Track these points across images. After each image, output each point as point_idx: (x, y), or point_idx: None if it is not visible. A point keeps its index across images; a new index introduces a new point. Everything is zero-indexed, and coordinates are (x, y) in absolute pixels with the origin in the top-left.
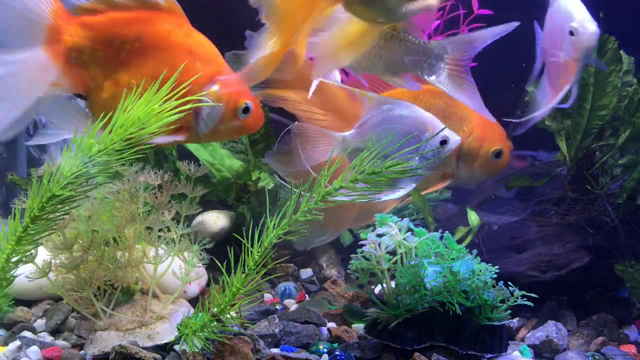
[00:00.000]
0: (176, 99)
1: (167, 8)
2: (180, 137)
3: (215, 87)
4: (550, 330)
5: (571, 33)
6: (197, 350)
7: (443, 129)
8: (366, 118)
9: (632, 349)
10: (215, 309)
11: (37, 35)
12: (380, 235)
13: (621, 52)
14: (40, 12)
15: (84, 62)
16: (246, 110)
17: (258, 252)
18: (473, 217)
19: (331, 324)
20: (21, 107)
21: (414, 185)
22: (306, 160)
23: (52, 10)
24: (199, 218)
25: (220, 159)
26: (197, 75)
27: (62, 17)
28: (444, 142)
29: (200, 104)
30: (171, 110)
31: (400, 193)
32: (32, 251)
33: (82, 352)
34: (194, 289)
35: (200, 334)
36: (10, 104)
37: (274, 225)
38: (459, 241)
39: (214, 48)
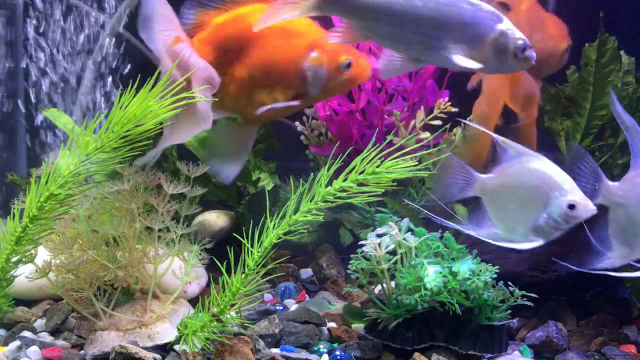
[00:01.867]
0: (279, 74)
1: None
2: (295, 103)
3: (314, 54)
4: (550, 330)
5: None
6: (197, 350)
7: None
8: (505, 165)
9: (632, 349)
10: (215, 309)
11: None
12: (380, 235)
13: (621, 52)
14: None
15: (215, 68)
16: (349, 64)
17: (258, 252)
18: (461, 209)
19: (331, 324)
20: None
21: (546, 239)
22: (443, 193)
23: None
24: (198, 218)
25: None
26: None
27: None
28: (572, 206)
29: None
30: (167, 106)
31: (531, 245)
32: (32, 251)
33: (82, 352)
34: (194, 289)
35: (200, 334)
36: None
37: (274, 225)
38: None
39: (308, 21)
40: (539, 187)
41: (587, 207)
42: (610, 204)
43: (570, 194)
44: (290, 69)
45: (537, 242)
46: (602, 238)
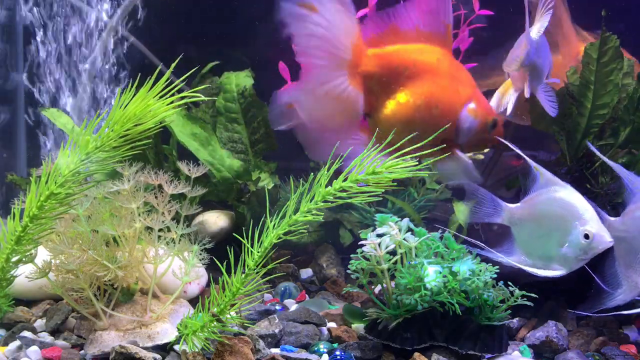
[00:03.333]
0: (439, 114)
1: (440, 40)
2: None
3: (472, 105)
4: (551, 330)
5: None
6: (197, 350)
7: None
8: (533, 195)
9: (632, 349)
10: (215, 309)
11: (341, 65)
12: (380, 235)
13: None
14: (346, 48)
15: (372, 85)
16: (494, 125)
17: (258, 252)
18: (460, 207)
19: (331, 324)
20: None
21: (569, 269)
22: (470, 218)
23: (354, 45)
24: (199, 218)
25: (220, 159)
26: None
27: (360, 50)
28: (587, 236)
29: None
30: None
31: (554, 273)
32: (32, 251)
33: (82, 352)
34: (194, 289)
35: (200, 334)
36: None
37: (274, 225)
38: None
39: (469, 74)
40: (562, 217)
41: (602, 239)
42: (614, 239)
43: (588, 224)
44: (450, 112)
45: (560, 271)
46: (612, 274)
